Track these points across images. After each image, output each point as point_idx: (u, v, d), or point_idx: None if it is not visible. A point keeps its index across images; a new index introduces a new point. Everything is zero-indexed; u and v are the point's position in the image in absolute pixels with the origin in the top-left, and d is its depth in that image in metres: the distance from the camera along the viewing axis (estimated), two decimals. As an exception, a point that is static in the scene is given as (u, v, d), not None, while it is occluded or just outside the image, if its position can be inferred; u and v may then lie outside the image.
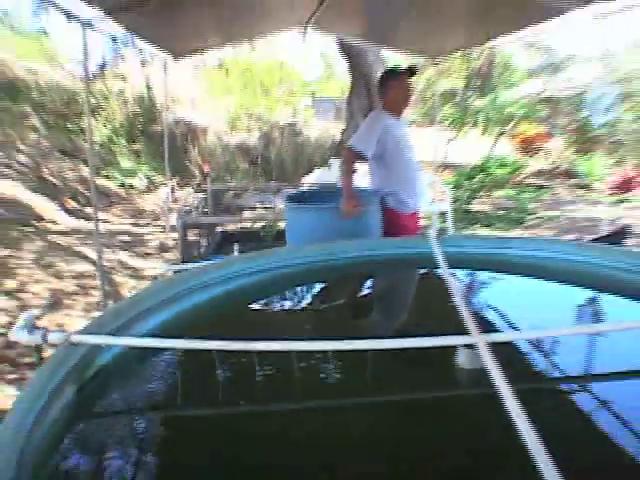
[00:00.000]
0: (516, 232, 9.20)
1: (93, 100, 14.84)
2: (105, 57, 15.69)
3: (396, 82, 4.21)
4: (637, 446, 1.25)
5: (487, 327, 1.70)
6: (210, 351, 1.69)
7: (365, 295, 2.79)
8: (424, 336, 1.48)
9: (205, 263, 2.51)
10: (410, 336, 1.49)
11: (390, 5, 5.86)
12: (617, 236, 4.86)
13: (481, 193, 12.57)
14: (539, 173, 15.66)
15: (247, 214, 9.66)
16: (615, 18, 5.08)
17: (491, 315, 2.23)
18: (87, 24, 4.45)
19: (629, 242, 7.25)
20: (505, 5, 5.09)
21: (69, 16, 4.39)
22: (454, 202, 9.78)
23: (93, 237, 5.59)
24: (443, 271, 2.18)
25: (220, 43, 7.42)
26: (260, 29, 7.15)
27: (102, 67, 15.83)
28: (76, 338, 1.50)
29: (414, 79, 4.41)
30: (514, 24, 5.85)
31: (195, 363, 1.79)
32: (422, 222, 5.87)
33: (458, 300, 1.77)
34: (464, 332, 1.51)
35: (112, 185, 13.36)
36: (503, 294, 2.64)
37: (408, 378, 1.62)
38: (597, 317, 2.29)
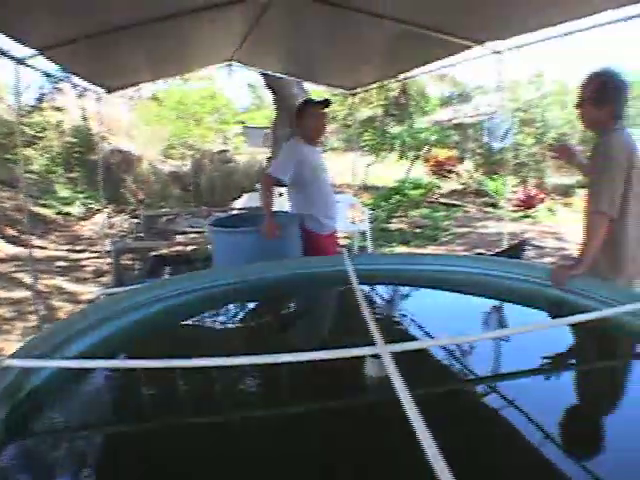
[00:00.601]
0: (431, 248, 9.36)
1: (31, 131, 14.47)
2: (42, 90, 15.32)
3: (311, 113, 4.27)
4: (527, 440, 1.31)
5: (393, 337, 1.75)
6: (135, 369, 1.71)
7: (283, 312, 2.83)
8: (334, 348, 1.52)
9: (135, 286, 2.51)
10: (321, 349, 1.54)
11: (307, 44, 5.96)
12: (516, 249, 5.00)
13: (398, 213, 12.77)
14: (451, 193, 16.04)
15: (179, 238, 9.53)
16: (513, 54, 5.34)
17: (397, 325, 2.31)
18: (20, 61, 4.39)
19: (529, 254, 7.52)
20: (413, 42, 5.27)
21: (2, 53, 4.32)
22: (373, 222, 9.93)
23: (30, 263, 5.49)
24: (354, 287, 2.25)
25: (150, 78, 7.40)
26: (188, 65, 7.17)
27: (40, 100, 15.43)
28: (7, 362, 1.50)
29: (329, 110, 4.48)
30: (421, 59, 6.07)
31: (122, 381, 1.80)
32: (342, 241, 5.95)
33: (366, 314, 1.84)
34: (371, 343, 1.57)
35: (50, 213, 13.00)
36: (409, 305, 2.73)
37: (318, 388, 1.66)
38: (493, 323, 2.39)
